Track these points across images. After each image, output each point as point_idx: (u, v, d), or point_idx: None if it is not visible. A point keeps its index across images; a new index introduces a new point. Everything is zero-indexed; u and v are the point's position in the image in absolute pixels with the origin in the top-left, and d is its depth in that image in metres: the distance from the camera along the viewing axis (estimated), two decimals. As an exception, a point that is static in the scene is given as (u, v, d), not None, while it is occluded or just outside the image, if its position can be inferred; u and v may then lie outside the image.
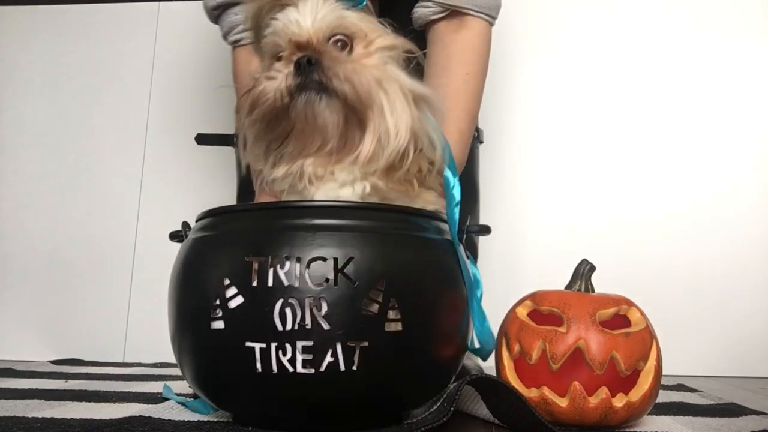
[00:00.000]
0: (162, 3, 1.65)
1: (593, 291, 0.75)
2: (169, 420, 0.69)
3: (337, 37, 0.72)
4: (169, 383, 0.92)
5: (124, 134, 1.59)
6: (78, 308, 1.52)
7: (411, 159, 0.71)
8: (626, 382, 0.68)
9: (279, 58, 0.72)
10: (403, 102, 0.70)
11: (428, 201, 0.74)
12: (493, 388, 0.67)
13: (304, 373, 0.58)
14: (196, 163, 1.53)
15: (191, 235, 0.69)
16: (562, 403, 0.67)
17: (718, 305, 1.40)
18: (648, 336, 0.70)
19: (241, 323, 0.59)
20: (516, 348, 0.71)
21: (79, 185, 1.58)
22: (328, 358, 0.58)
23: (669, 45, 1.50)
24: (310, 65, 0.67)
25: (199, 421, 0.69)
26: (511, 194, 1.48)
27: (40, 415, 0.72)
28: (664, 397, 0.91)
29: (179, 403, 0.79)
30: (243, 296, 0.59)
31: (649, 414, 0.74)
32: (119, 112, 1.60)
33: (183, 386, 0.91)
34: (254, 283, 0.59)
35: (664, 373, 0.71)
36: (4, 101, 1.64)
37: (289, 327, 0.58)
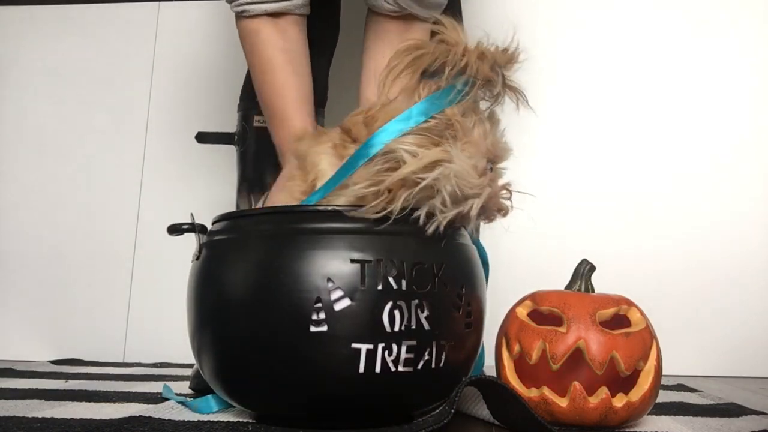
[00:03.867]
0: (162, 3, 1.65)
1: (593, 291, 0.75)
2: (169, 420, 0.69)
3: None
4: (169, 383, 0.93)
5: (124, 134, 1.59)
6: (78, 308, 1.52)
7: None
8: (626, 382, 0.68)
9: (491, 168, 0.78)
10: None
11: None
12: (493, 389, 0.67)
13: (405, 372, 0.62)
14: (197, 162, 1.53)
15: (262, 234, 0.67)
16: (562, 403, 0.67)
17: (718, 305, 1.40)
18: (648, 336, 0.70)
19: (343, 326, 0.61)
20: (516, 348, 0.71)
21: (79, 185, 1.58)
22: (425, 357, 0.63)
23: (667, 45, 1.50)
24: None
25: (199, 421, 0.69)
26: (513, 194, 1.47)
27: (40, 415, 0.72)
28: (664, 397, 0.91)
29: (179, 402, 0.79)
30: (350, 299, 0.61)
31: (649, 414, 0.74)
32: (119, 112, 1.60)
33: (183, 386, 0.91)
34: (361, 286, 0.61)
35: (664, 373, 0.71)
36: (4, 101, 1.64)
37: (398, 329, 0.62)
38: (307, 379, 0.62)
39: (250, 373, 0.64)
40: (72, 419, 0.70)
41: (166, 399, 0.83)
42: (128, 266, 1.53)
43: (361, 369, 0.61)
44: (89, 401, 0.83)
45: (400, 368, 0.61)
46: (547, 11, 1.54)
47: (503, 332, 0.75)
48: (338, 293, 0.60)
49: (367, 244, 0.63)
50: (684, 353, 1.35)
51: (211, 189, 1.50)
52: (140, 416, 0.69)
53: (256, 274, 0.64)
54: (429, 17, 0.93)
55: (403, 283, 0.62)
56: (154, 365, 1.34)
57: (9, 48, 1.66)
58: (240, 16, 0.94)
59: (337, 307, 0.60)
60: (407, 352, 0.61)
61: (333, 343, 0.60)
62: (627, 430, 0.69)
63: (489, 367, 0.77)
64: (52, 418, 0.70)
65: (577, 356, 0.67)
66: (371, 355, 0.60)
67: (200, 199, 1.49)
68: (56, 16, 1.66)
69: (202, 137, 1.38)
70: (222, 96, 1.52)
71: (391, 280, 0.62)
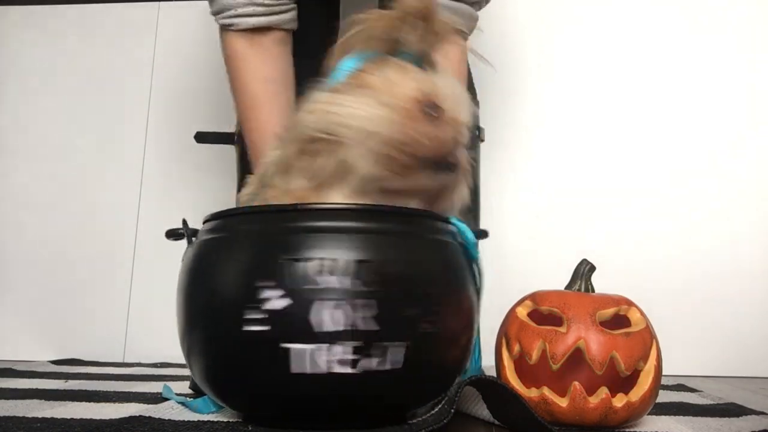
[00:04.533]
0: (162, 3, 1.65)
1: (593, 291, 0.75)
2: (169, 420, 0.69)
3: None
4: (169, 383, 0.93)
5: (124, 134, 1.59)
6: (78, 308, 1.52)
7: None
8: (626, 382, 0.68)
9: (424, 111, 0.67)
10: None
11: None
12: (493, 389, 0.67)
13: (348, 373, 0.59)
14: (196, 162, 1.53)
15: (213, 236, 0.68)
16: (562, 403, 0.67)
17: (718, 305, 1.40)
18: (648, 336, 0.70)
19: (280, 325, 0.59)
20: (516, 348, 0.71)
21: (78, 185, 1.58)
22: (371, 358, 0.59)
23: (666, 43, 1.50)
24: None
25: (199, 421, 0.69)
26: (512, 193, 1.48)
27: (40, 415, 0.72)
28: (664, 397, 0.91)
29: (179, 402, 0.79)
30: (284, 298, 0.59)
31: (649, 414, 0.74)
32: (119, 112, 1.60)
33: (183, 386, 0.91)
34: (302, 285, 0.59)
35: (664, 373, 0.71)
36: (4, 101, 1.64)
37: (329, 329, 0.58)
38: (252, 380, 0.62)
39: (226, 374, 0.65)
40: (72, 419, 0.70)
41: (166, 399, 0.83)
42: (128, 266, 1.53)
43: (293, 368, 0.59)
44: (89, 401, 0.83)
45: (343, 369, 0.58)
46: (545, 7, 1.54)
47: (503, 332, 0.75)
48: (278, 292, 0.59)
49: (311, 242, 0.61)
50: (684, 353, 1.35)
51: (211, 189, 1.50)
52: (140, 416, 0.69)
53: (198, 274, 0.66)
54: (461, 29, 0.91)
55: (347, 281, 0.59)
56: (154, 365, 1.34)
57: (9, 48, 1.65)
58: (225, 29, 0.94)
59: (275, 306, 0.59)
60: (354, 353, 0.58)
61: (270, 343, 0.59)
62: (627, 430, 0.69)
63: (489, 367, 0.77)
64: (52, 418, 0.70)
65: (577, 356, 0.67)
66: (301, 355, 0.58)
67: (200, 199, 1.49)
68: (56, 16, 1.66)
69: (202, 137, 1.38)
70: (221, 96, 1.52)
71: (333, 278, 0.59)
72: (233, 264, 0.63)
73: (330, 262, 0.60)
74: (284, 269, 0.60)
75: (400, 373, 0.61)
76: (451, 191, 0.71)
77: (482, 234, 0.75)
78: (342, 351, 0.58)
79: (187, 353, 0.68)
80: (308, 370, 0.59)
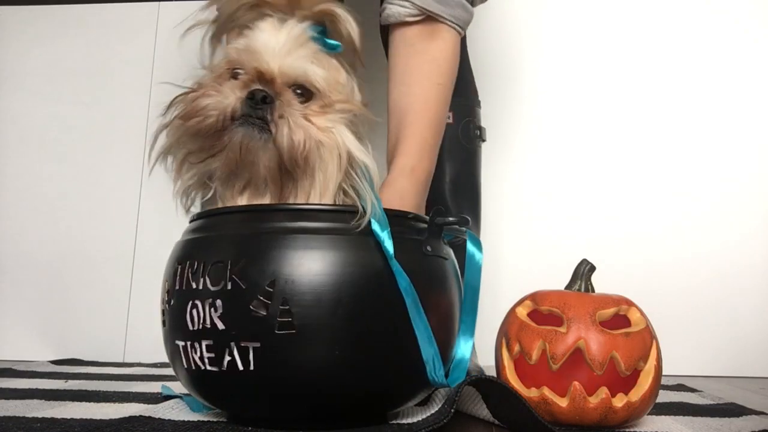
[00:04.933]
0: (162, 3, 1.65)
1: (593, 291, 0.75)
2: (169, 420, 0.69)
3: (299, 86, 0.71)
4: (169, 383, 0.93)
5: (124, 134, 1.59)
6: (78, 308, 1.52)
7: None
8: (626, 382, 0.68)
9: (234, 76, 0.72)
10: (335, 168, 0.70)
11: None
12: (493, 389, 0.67)
13: (213, 371, 0.61)
14: (196, 163, 1.53)
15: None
16: (562, 403, 0.67)
17: (718, 305, 1.40)
18: (648, 336, 0.70)
19: (171, 323, 0.66)
20: (516, 348, 0.71)
21: (78, 185, 1.58)
22: (227, 357, 0.60)
23: (667, 46, 1.50)
24: (264, 102, 0.67)
25: (199, 421, 0.69)
26: (512, 193, 1.48)
27: (40, 415, 0.72)
28: (664, 397, 0.91)
29: (180, 396, 0.79)
30: (173, 298, 0.65)
31: (649, 414, 0.74)
32: (119, 112, 1.60)
33: (182, 386, 0.90)
34: (176, 286, 0.65)
35: (664, 373, 0.71)
36: (4, 101, 1.64)
37: (196, 327, 0.62)
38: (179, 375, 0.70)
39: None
40: (72, 419, 0.70)
41: (166, 399, 0.83)
42: (128, 266, 1.53)
43: (184, 364, 0.65)
44: (89, 401, 0.83)
45: (209, 367, 0.62)
46: (545, 7, 1.54)
47: (503, 332, 0.75)
48: (168, 294, 0.66)
49: (189, 246, 0.67)
50: (684, 353, 1.35)
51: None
52: (140, 416, 0.69)
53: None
54: (452, 20, 0.91)
55: (201, 281, 0.62)
56: (154, 365, 1.34)
57: (9, 48, 1.65)
58: None
59: (167, 306, 0.66)
60: (207, 351, 0.61)
61: (168, 340, 0.67)
62: (627, 430, 0.69)
63: (489, 367, 0.77)
64: (52, 418, 0.70)
65: (577, 356, 0.67)
66: (185, 351, 0.64)
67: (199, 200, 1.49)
68: (56, 16, 1.66)
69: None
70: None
71: (191, 279, 0.63)
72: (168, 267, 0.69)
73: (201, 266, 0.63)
74: (171, 272, 0.67)
75: (261, 374, 0.60)
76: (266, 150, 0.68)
77: (463, 221, 0.69)
78: (206, 349, 0.62)
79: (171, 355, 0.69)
80: (193, 367, 0.64)
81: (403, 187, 0.86)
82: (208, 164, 0.72)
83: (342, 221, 0.63)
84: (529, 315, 0.74)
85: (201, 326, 0.61)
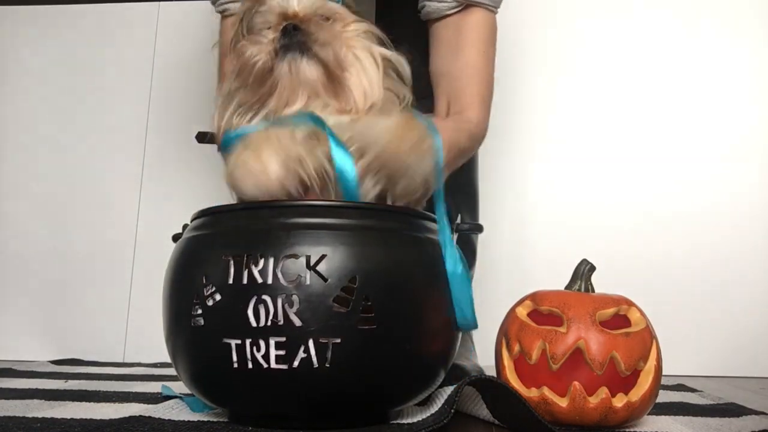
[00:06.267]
0: (162, 3, 1.65)
1: (593, 291, 0.75)
2: (169, 420, 0.69)
3: (320, 14, 0.79)
4: (169, 383, 0.93)
5: (124, 134, 1.59)
6: (78, 308, 1.52)
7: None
8: (626, 382, 0.68)
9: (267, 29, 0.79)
10: (373, 65, 0.79)
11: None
12: (493, 389, 0.67)
13: (279, 369, 0.59)
14: (197, 162, 1.53)
15: (183, 236, 0.71)
16: (562, 403, 0.67)
17: (718, 305, 1.40)
18: (648, 336, 0.70)
19: (218, 320, 0.61)
20: (516, 348, 0.71)
21: (79, 185, 1.58)
22: (301, 354, 0.58)
23: (668, 46, 1.50)
24: (295, 30, 0.75)
25: (199, 421, 0.69)
26: (512, 194, 1.47)
27: (40, 415, 0.72)
28: (664, 397, 0.91)
29: (179, 396, 0.79)
30: (220, 294, 0.61)
31: (649, 414, 0.74)
32: (119, 112, 1.60)
33: (182, 386, 0.90)
34: (230, 281, 0.61)
35: (664, 373, 0.71)
36: (4, 100, 1.64)
37: (262, 324, 0.59)
38: (201, 374, 0.65)
39: (181, 371, 0.69)
40: (72, 419, 0.70)
41: (166, 399, 0.83)
42: (128, 266, 1.53)
43: (235, 364, 0.60)
44: (89, 401, 0.83)
45: (274, 365, 0.59)
46: (546, 7, 1.55)
47: (503, 332, 0.75)
48: (210, 289, 0.62)
49: (240, 239, 0.63)
50: (684, 353, 1.35)
51: (211, 190, 1.50)
52: (140, 416, 0.69)
53: (170, 274, 0.69)
54: (488, 2, 0.94)
55: (269, 276, 0.59)
56: (154, 365, 1.34)
57: (8, 48, 1.65)
58: (223, 16, 1.02)
59: (209, 302, 0.61)
60: (276, 348, 0.59)
61: (209, 338, 0.62)
62: (627, 430, 0.69)
63: (489, 367, 0.77)
64: (52, 418, 0.70)
65: (577, 356, 0.67)
66: (241, 350, 0.60)
67: (200, 199, 1.49)
68: (56, 16, 1.66)
69: (202, 137, 1.38)
70: (222, 96, 1.52)
71: (256, 273, 0.60)
72: (191, 263, 0.66)
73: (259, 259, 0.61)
74: (216, 266, 0.62)
75: (338, 370, 0.60)
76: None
77: (477, 228, 0.76)
78: (275, 346, 0.59)
79: (172, 354, 0.69)
80: (250, 366, 0.60)
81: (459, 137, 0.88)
82: (269, 104, 0.77)
83: (405, 221, 0.67)
84: (529, 315, 0.74)
85: (270, 322, 0.59)
